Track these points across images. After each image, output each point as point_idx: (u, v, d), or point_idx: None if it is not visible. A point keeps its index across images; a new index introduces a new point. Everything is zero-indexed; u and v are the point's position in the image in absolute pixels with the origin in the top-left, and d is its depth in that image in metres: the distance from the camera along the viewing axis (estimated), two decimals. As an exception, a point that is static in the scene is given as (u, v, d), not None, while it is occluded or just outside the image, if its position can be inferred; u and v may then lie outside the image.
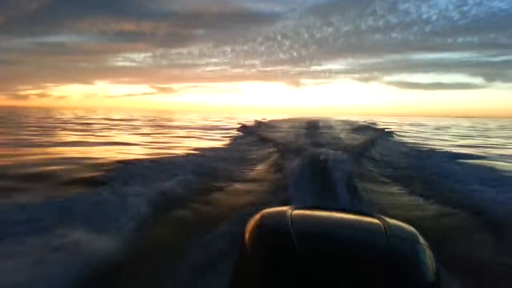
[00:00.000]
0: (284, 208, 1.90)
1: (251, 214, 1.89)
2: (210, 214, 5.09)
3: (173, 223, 4.65)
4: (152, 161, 8.31)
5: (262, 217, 1.80)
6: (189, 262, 3.36)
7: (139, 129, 25.55)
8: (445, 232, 4.31)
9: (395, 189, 7.10)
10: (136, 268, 3.33)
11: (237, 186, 6.99)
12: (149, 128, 27.37)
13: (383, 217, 1.84)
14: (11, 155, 10.11)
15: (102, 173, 7.10)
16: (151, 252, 3.68)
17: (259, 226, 1.73)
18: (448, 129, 37.79)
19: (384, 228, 1.67)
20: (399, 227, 1.74)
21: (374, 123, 31.98)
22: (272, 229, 1.71)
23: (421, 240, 1.62)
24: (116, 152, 11.33)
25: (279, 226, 1.68)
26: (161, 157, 9.21)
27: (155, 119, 44.92)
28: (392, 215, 2.02)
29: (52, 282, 3.04)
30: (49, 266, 3.21)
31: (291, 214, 1.77)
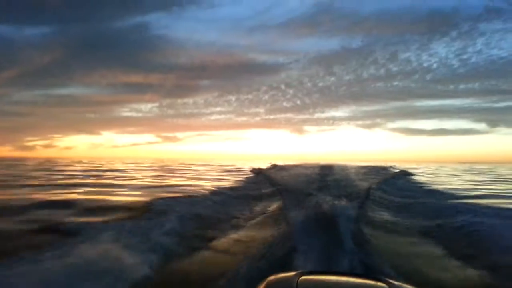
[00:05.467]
0: (290, 274, 1.84)
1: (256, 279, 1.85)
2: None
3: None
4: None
5: (268, 285, 1.75)
6: None
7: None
8: None
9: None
10: None
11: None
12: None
13: (390, 280, 1.79)
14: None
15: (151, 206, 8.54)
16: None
17: None
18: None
19: None
20: None
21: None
22: None
23: None
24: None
25: None
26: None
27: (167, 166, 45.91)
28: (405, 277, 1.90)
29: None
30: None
31: (297, 282, 1.71)
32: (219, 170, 35.36)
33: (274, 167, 29.67)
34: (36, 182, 17.38)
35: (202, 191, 13.28)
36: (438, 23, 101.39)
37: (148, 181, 19.28)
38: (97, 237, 5.62)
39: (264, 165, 34.16)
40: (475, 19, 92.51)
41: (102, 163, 54.35)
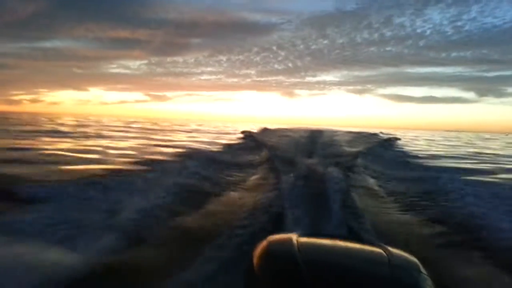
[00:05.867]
0: (290, 235, 1.92)
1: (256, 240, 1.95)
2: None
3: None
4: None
5: (269, 244, 1.84)
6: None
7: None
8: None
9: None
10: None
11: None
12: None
13: (386, 246, 1.90)
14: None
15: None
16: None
17: (267, 254, 1.76)
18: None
19: (388, 258, 1.72)
20: (401, 257, 1.80)
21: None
22: (280, 257, 1.74)
23: (423, 270, 1.69)
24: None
25: (287, 254, 1.71)
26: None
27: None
28: (394, 243, 2.05)
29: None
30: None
31: (297, 242, 1.79)
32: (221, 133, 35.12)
33: (265, 130, 29.80)
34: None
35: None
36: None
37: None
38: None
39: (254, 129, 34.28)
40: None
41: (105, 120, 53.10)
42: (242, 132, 28.00)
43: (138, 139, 20.94)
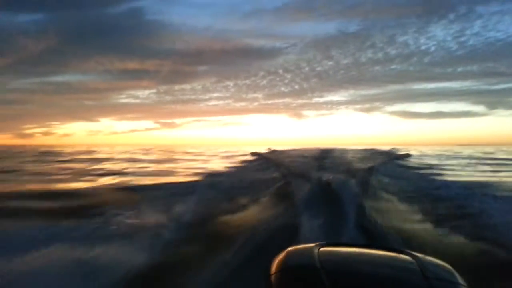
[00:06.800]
0: (309, 245, 1.78)
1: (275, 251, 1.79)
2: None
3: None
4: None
5: (288, 255, 1.70)
6: None
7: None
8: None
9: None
10: None
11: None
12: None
13: (415, 253, 1.71)
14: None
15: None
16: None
17: (287, 265, 1.62)
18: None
19: (419, 267, 1.55)
20: (434, 265, 1.62)
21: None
22: (300, 268, 1.61)
23: (460, 278, 1.51)
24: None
25: (307, 265, 1.57)
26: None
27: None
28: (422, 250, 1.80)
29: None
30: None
31: (318, 252, 1.67)
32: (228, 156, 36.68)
33: (273, 152, 29.92)
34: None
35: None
36: (436, 6, 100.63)
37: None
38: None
39: (262, 150, 35.36)
40: (472, 1, 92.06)
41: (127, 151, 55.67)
42: (252, 154, 29.87)
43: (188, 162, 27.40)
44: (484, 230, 5.55)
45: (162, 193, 9.36)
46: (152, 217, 6.17)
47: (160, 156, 36.52)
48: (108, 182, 13.32)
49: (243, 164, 21.82)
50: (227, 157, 34.30)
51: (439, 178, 13.65)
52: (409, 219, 6.61)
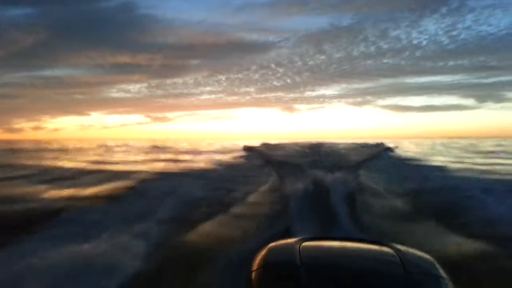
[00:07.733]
0: (291, 240, 1.79)
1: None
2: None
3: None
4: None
5: (269, 251, 1.70)
6: None
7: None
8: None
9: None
10: None
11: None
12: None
13: (397, 245, 1.70)
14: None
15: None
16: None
17: (267, 262, 1.61)
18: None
19: (400, 259, 1.54)
20: (415, 256, 1.61)
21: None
22: (280, 265, 1.60)
23: (440, 269, 1.51)
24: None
25: (288, 261, 1.57)
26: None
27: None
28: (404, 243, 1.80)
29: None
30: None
31: (299, 248, 1.66)
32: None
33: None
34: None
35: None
36: (428, 0, 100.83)
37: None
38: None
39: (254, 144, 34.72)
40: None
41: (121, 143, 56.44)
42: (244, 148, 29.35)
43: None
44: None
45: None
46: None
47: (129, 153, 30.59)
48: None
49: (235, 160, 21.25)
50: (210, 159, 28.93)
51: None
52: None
